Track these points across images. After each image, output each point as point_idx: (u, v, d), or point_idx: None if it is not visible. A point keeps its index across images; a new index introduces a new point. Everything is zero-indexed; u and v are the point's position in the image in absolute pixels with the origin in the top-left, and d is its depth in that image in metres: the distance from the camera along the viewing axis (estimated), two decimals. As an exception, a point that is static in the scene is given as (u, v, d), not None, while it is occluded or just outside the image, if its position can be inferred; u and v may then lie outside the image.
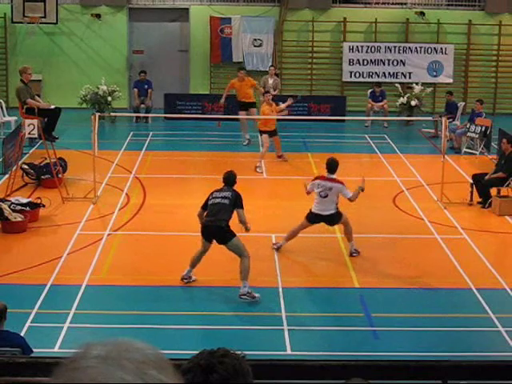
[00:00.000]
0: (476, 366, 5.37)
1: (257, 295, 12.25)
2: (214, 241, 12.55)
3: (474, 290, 12.81)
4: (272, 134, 20.69)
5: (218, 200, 12.45)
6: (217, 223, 12.33)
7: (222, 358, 3.27)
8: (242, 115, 22.89)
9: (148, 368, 1.52)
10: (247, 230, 12.67)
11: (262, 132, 20.79)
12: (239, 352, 3.39)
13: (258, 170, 19.89)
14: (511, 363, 6.93)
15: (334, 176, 14.09)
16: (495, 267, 13.82)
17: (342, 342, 11.10)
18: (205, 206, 12.62)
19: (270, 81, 26.18)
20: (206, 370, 3.27)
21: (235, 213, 12.45)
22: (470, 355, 10.24)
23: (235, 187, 12.74)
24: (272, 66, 27.09)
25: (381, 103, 26.34)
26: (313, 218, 14.12)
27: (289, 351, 10.68)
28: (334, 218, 14.09)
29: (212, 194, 12.67)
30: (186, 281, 12.92)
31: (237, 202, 12.46)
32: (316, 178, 14.36)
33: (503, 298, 12.65)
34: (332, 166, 14.16)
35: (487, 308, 12.11)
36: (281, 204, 17.22)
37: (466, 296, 12.71)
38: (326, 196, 13.89)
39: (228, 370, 3.18)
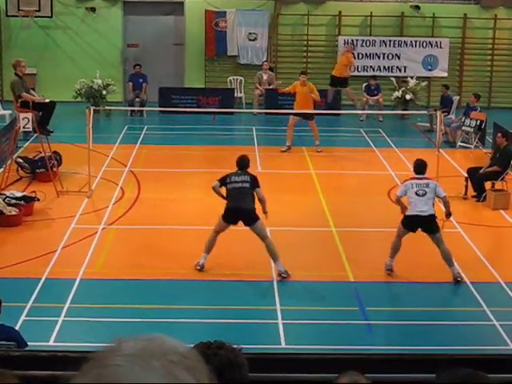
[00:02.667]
0: (470, 359, 5.38)
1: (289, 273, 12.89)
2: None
3: (469, 284, 12.83)
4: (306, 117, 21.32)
5: (238, 185, 12.96)
6: (245, 206, 12.85)
7: (216, 350, 3.28)
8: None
9: (179, 369, 1.50)
10: (265, 212, 13.23)
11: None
12: (236, 345, 3.39)
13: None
14: (505, 356, 6.94)
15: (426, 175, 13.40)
16: (489, 261, 13.85)
17: (337, 336, 11.11)
18: (222, 182, 13.07)
19: (265, 76, 26.20)
20: None
21: None
22: (465, 349, 10.25)
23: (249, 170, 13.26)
24: (265, 61, 27.08)
25: (376, 97, 26.34)
26: (410, 223, 13.08)
27: (283, 345, 10.69)
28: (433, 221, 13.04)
29: (230, 177, 13.05)
30: (199, 267, 13.03)
31: (255, 183, 13.06)
32: (405, 180, 13.51)
33: (497, 292, 12.67)
34: (422, 166, 13.36)
35: (481, 301, 12.14)
36: (276, 198, 17.18)
37: (461, 289, 12.73)
38: (424, 194, 12.96)
39: (223, 362, 3.18)
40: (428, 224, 12.91)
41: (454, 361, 5.28)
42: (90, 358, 1.52)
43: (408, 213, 13.03)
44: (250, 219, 12.93)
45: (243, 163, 13.22)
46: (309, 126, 21.42)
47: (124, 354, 1.50)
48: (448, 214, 13.58)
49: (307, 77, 22.08)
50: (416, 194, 12.98)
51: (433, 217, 12.92)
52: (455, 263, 13.00)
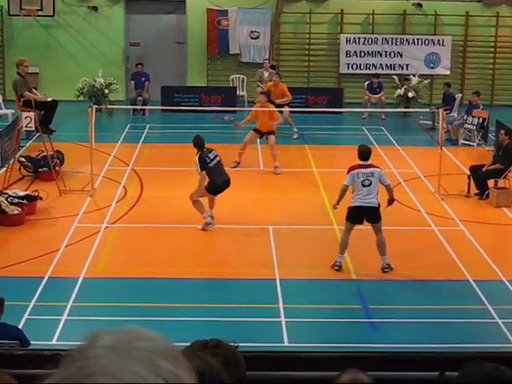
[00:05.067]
0: (473, 357, 5.37)
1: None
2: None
3: (471, 282, 12.82)
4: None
5: (217, 159, 14.87)
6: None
7: (214, 349, 3.27)
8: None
9: (158, 358, 1.51)
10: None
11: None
12: (232, 343, 3.39)
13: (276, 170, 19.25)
14: (508, 354, 6.94)
15: (369, 162, 13.27)
16: (492, 259, 13.84)
17: (340, 334, 11.12)
18: (204, 166, 14.64)
19: (266, 74, 26.16)
20: None
21: None
22: (468, 347, 10.26)
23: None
24: (267, 59, 27.08)
25: (378, 95, 26.33)
26: (355, 215, 13.01)
27: (286, 343, 10.69)
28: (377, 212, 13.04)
29: (206, 156, 14.68)
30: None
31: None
32: (350, 170, 13.18)
33: (500, 290, 12.67)
34: (366, 153, 13.30)
35: (484, 299, 12.13)
36: (278, 196, 17.22)
37: (463, 287, 12.72)
38: (369, 184, 12.93)
39: (220, 360, 3.18)
40: (372, 214, 12.94)
41: (458, 359, 5.28)
42: (69, 354, 1.53)
43: (353, 204, 12.96)
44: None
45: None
46: (268, 142, 19.99)
47: (102, 346, 1.51)
48: (391, 200, 13.36)
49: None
50: (362, 184, 12.89)
51: (377, 207, 12.95)
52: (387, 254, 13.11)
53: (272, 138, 19.69)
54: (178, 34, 28.57)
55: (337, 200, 13.23)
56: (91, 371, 1.46)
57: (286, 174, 19.04)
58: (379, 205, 13.02)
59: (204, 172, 14.45)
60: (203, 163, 14.29)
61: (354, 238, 14.39)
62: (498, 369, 3.85)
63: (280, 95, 22.36)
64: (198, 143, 14.73)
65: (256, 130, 19.99)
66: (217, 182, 14.09)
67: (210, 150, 14.81)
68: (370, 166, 13.18)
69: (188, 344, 3.63)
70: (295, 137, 22.67)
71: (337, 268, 13.12)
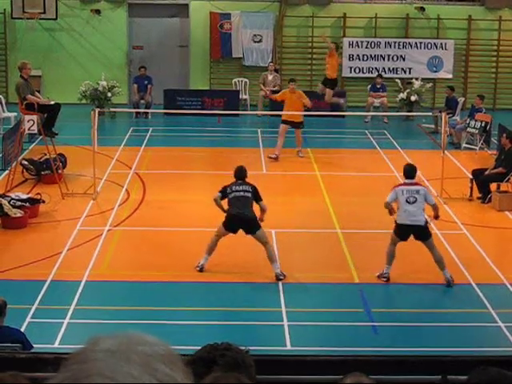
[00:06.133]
0: (476, 360, 5.37)
1: (285, 274, 12.99)
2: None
3: (474, 285, 12.81)
4: (295, 126, 21.05)
5: (240, 194, 13.13)
6: (248, 214, 13.01)
7: (223, 351, 3.29)
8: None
9: (157, 363, 1.53)
10: (262, 220, 13.29)
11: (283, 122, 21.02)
12: (243, 347, 3.40)
13: (271, 155, 20.48)
14: (510, 358, 6.93)
15: (415, 181, 13.16)
16: (495, 262, 13.83)
17: (342, 338, 11.11)
18: (223, 193, 13.24)
19: (270, 77, 26.19)
20: (207, 362, 3.29)
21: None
22: (470, 350, 10.25)
23: (247, 180, 13.41)
24: (271, 62, 27.11)
25: (381, 95, 26.22)
26: (402, 232, 12.85)
27: (289, 346, 10.69)
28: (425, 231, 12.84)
29: (231, 187, 13.22)
30: (198, 268, 13.09)
31: (257, 194, 13.27)
32: (395, 186, 13.11)
33: (503, 293, 12.66)
34: (411, 171, 13.12)
35: (487, 303, 12.12)
36: (281, 199, 17.21)
37: (466, 291, 12.71)
38: (414, 201, 12.71)
39: (230, 363, 3.19)
40: (421, 232, 12.77)
41: (460, 362, 5.28)
42: (69, 357, 1.55)
43: (400, 222, 12.77)
44: (252, 227, 13.04)
45: (241, 174, 13.41)
46: (294, 134, 20.95)
47: (102, 350, 1.54)
48: (436, 217, 13.34)
49: (296, 84, 21.81)
50: (407, 201, 12.69)
51: (425, 225, 12.78)
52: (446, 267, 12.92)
53: (298, 131, 20.95)
54: (180, 37, 28.59)
55: (389, 211, 13.05)
56: (89, 373, 1.48)
57: (289, 178, 19.05)
58: (427, 222, 12.86)
59: (220, 194, 13.29)
60: (223, 189, 13.28)
61: (357, 241, 14.40)
62: (504, 375, 3.85)
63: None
64: (234, 173, 13.60)
65: (284, 122, 20.85)
66: (230, 212, 13.09)
67: (242, 184, 13.28)
68: (416, 183, 13.11)
69: (191, 348, 3.64)
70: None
71: (384, 279, 12.90)
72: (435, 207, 13.18)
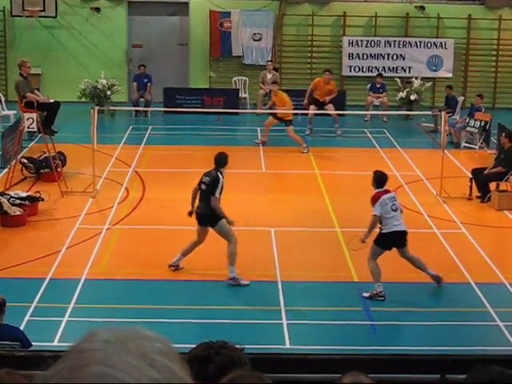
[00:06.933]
0: (474, 360, 5.38)
1: (244, 282, 12.57)
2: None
3: (473, 285, 12.82)
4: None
5: (202, 186, 12.76)
6: (199, 210, 12.74)
7: (219, 350, 3.29)
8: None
9: (155, 354, 1.54)
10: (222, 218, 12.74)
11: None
12: (238, 345, 3.40)
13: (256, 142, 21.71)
14: (510, 357, 6.94)
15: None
16: (494, 262, 13.83)
17: (341, 336, 11.11)
18: (199, 183, 12.91)
19: (269, 76, 26.18)
20: (203, 360, 3.29)
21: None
22: (469, 349, 10.25)
23: (227, 167, 12.87)
24: (270, 60, 27.10)
25: (381, 95, 26.23)
26: (389, 241, 12.44)
27: (288, 345, 10.69)
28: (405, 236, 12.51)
29: (203, 176, 12.87)
30: (173, 268, 13.01)
31: (212, 188, 12.56)
32: (376, 198, 12.43)
33: (502, 293, 12.66)
34: (385, 179, 12.66)
35: (486, 302, 12.12)
36: (280, 198, 17.22)
37: (465, 290, 12.72)
38: (397, 209, 12.40)
39: (225, 361, 3.19)
40: (404, 237, 12.46)
41: (459, 361, 5.28)
42: (68, 349, 1.57)
43: (388, 231, 12.31)
44: (211, 222, 12.71)
45: (218, 160, 12.82)
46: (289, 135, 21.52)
47: (101, 341, 1.55)
48: None
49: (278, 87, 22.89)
50: (392, 209, 12.33)
51: (406, 231, 12.50)
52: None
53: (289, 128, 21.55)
54: (180, 35, 28.58)
55: (366, 234, 12.45)
56: (87, 362, 1.50)
57: (288, 176, 19.05)
58: None
59: (197, 186, 13.01)
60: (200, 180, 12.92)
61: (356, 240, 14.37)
62: (505, 373, 3.85)
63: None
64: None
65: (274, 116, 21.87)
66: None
67: (207, 175, 12.81)
68: (389, 190, 12.69)
69: (190, 346, 3.64)
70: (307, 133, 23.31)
71: (382, 299, 12.27)
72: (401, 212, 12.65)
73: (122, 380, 1.46)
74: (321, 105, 23.64)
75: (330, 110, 23.49)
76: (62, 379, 1.50)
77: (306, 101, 23.81)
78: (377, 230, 12.47)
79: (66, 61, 27.62)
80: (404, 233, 12.44)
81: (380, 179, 12.58)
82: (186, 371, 1.59)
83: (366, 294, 12.33)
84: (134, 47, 28.56)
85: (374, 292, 12.28)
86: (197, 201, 12.97)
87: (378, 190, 12.48)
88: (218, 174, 12.63)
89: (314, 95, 23.84)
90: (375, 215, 12.30)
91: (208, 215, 12.68)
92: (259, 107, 26.14)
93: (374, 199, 12.38)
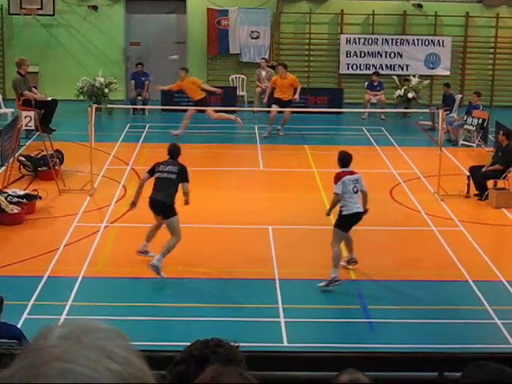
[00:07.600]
0: (472, 358, 5.38)
1: (163, 274, 12.43)
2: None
3: (471, 282, 12.82)
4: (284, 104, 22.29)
5: (164, 175, 12.64)
6: (162, 199, 12.57)
7: (215, 348, 3.28)
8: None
9: (111, 346, 1.54)
10: (187, 203, 12.83)
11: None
12: (233, 342, 3.39)
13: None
14: (507, 355, 6.95)
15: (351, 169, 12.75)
16: (492, 259, 13.84)
17: (338, 334, 11.13)
18: (150, 172, 12.86)
19: (263, 73, 26.20)
20: (199, 360, 3.28)
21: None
22: (466, 347, 10.26)
23: (179, 159, 12.95)
24: (264, 58, 27.11)
25: (378, 93, 26.24)
26: (349, 223, 12.68)
27: (285, 343, 10.69)
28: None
29: (159, 166, 12.81)
30: (142, 255, 13.09)
31: (182, 176, 12.63)
32: (339, 177, 12.57)
33: (499, 290, 12.67)
34: (350, 159, 12.79)
35: (483, 300, 12.13)
36: (278, 196, 17.21)
37: (463, 288, 12.72)
38: (357, 190, 12.55)
39: (221, 359, 3.18)
40: (359, 219, 12.64)
41: (456, 359, 5.29)
42: (24, 348, 1.56)
43: (347, 212, 12.43)
44: (165, 214, 12.71)
45: (172, 152, 12.93)
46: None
47: (56, 337, 1.54)
48: (366, 210, 12.84)
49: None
50: (353, 191, 12.46)
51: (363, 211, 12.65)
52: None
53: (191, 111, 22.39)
54: (178, 33, 28.57)
55: (329, 210, 12.92)
56: (46, 359, 1.49)
57: (286, 174, 19.04)
58: None
59: (148, 175, 13.00)
60: (152, 169, 12.92)
61: (355, 239, 14.37)
62: (503, 370, 3.85)
63: (288, 87, 23.02)
64: (167, 151, 13.29)
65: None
66: (151, 195, 12.73)
67: (170, 164, 12.89)
68: (354, 172, 12.80)
69: (187, 344, 3.64)
70: (281, 134, 23.18)
71: (338, 283, 12.36)
72: (366, 195, 12.76)
73: (84, 374, 1.46)
74: (284, 104, 22.94)
75: (289, 108, 23.10)
76: (21, 379, 1.49)
77: (265, 100, 23.95)
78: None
79: (64, 59, 27.61)
80: (362, 213, 12.60)
81: (344, 159, 12.77)
82: (142, 361, 1.59)
83: (322, 284, 12.40)
84: (131, 45, 28.56)
85: (329, 279, 12.37)
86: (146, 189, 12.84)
87: (341, 170, 12.66)
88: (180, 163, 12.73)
89: (274, 95, 23.36)
90: (337, 193, 12.48)
91: (168, 205, 12.59)
92: (256, 105, 26.15)
93: (337, 178, 12.57)
